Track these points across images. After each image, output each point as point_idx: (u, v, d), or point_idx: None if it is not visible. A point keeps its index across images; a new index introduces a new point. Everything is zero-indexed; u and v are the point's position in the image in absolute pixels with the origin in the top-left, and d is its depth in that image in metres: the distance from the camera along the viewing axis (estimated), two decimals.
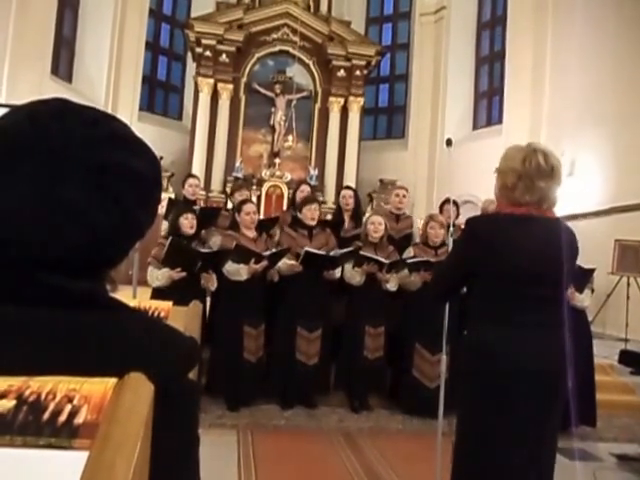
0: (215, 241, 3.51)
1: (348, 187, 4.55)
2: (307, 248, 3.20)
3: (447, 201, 3.89)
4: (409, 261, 3.31)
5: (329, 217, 4.47)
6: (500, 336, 1.35)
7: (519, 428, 1.32)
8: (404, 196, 3.91)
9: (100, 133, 0.45)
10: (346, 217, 3.97)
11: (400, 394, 3.38)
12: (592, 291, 3.36)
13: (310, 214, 3.41)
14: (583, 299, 3.23)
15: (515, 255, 1.36)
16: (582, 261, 3.36)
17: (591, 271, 3.33)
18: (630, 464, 2.76)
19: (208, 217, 3.76)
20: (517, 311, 1.36)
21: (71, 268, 0.43)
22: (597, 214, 6.51)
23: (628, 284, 5.70)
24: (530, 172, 1.36)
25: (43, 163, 0.42)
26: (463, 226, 1.56)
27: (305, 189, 4.01)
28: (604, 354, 4.26)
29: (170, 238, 3.11)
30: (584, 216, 6.57)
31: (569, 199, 6.86)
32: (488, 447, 1.34)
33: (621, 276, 5.78)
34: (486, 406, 1.35)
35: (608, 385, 3.77)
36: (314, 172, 9.15)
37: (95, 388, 0.36)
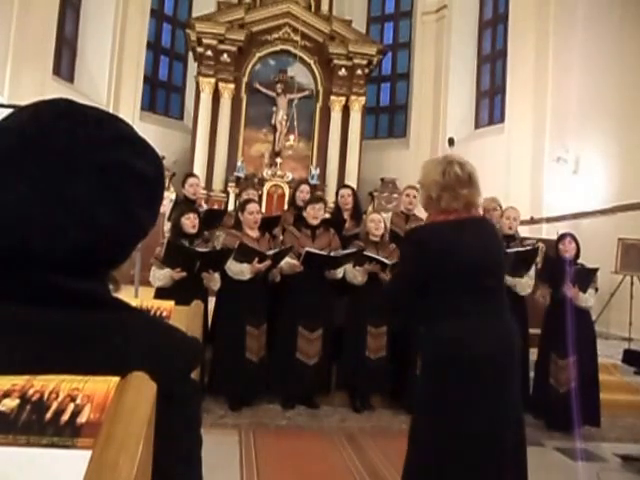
0: (221, 240, 3.52)
1: (346, 186, 4.50)
2: (307, 248, 3.20)
3: None
4: None
5: (327, 216, 4.45)
6: (456, 327, 1.46)
7: (478, 410, 1.42)
8: (414, 196, 3.88)
9: (104, 133, 0.45)
10: (346, 216, 3.96)
11: (405, 395, 3.37)
12: (596, 290, 3.35)
13: (313, 213, 3.40)
14: (587, 299, 3.22)
15: (464, 254, 1.49)
16: (585, 260, 3.38)
17: (594, 270, 3.32)
18: (634, 464, 2.75)
19: (214, 219, 3.75)
20: (471, 303, 1.48)
21: (74, 268, 0.43)
22: (600, 213, 6.49)
23: (632, 283, 5.68)
24: (451, 182, 1.49)
25: (47, 163, 0.42)
26: (406, 238, 1.66)
27: (305, 189, 4.00)
28: (608, 354, 4.24)
29: (166, 239, 3.12)
30: (587, 215, 6.55)
31: (573, 197, 6.86)
32: (448, 432, 1.42)
33: (624, 275, 5.76)
34: (448, 390, 1.44)
35: (612, 385, 3.75)
36: (315, 171, 9.15)
37: (98, 387, 0.36)
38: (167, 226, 3.58)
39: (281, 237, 3.62)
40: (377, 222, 3.43)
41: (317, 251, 3.23)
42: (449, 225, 1.52)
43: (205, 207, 4.31)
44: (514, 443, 1.48)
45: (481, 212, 1.62)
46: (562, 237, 3.34)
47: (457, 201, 1.50)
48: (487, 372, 1.43)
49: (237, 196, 4.63)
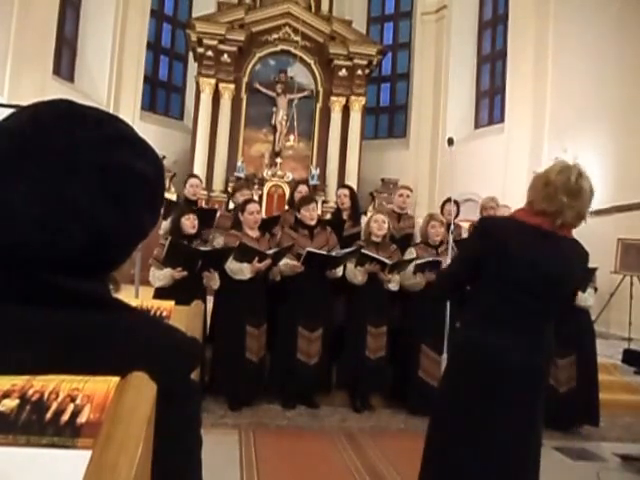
0: (219, 242, 3.52)
1: (344, 186, 4.49)
2: (309, 248, 3.20)
3: (448, 201, 3.90)
4: (417, 262, 3.31)
5: (329, 216, 4.46)
6: (491, 333, 1.44)
7: (503, 414, 1.42)
8: (408, 196, 3.92)
9: (104, 134, 0.45)
10: (345, 216, 3.97)
11: (406, 394, 3.38)
12: (595, 290, 3.35)
13: (309, 214, 3.41)
14: (586, 298, 3.22)
15: (525, 268, 1.42)
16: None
17: (593, 270, 3.32)
18: (634, 464, 2.75)
19: (205, 218, 3.74)
20: (514, 318, 1.45)
21: (74, 268, 0.43)
22: (600, 213, 6.47)
23: (631, 283, 5.68)
24: (557, 182, 1.44)
25: (47, 164, 0.42)
26: (475, 224, 1.62)
27: (303, 189, 4.00)
28: (607, 353, 4.25)
29: (169, 238, 3.12)
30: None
31: None
32: (472, 432, 1.41)
33: (624, 275, 5.76)
34: (471, 393, 1.43)
35: (611, 385, 3.76)
36: (316, 171, 9.15)
37: (98, 387, 0.36)
38: (162, 225, 3.57)
39: (278, 237, 3.62)
40: (380, 222, 3.42)
41: (318, 251, 3.23)
42: (525, 229, 1.44)
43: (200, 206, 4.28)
44: (530, 448, 1.47)
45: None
46: None
47: (549, 203, 1.41)
48: (502, 376, 1.41)
49: (231, 196, 4.58)
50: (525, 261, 1.42)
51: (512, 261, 1.43)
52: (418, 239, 3.75)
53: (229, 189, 8.86)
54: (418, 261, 3.30)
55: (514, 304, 1.44)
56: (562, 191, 1.42)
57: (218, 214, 3.94)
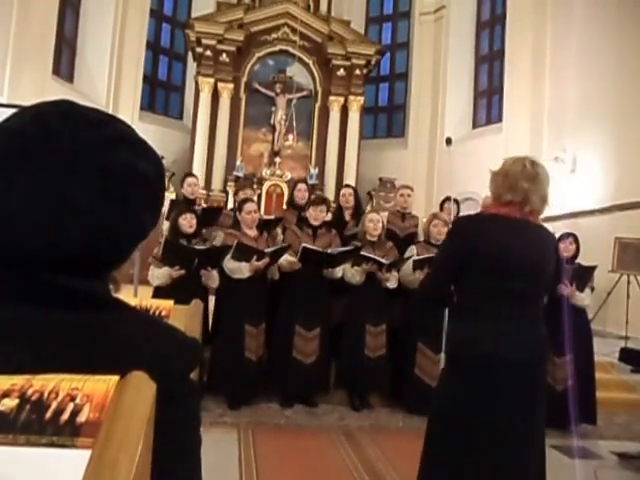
0: (219, 239, 3.53)
1: (348, 185, 4.56)
2: (304, 244, 3.21)
3: (448, 199, 3.92)
4: (414, 258, 3.32)
5: (328, 218, 4.50)
6: (484, 329, 1.45)
7: (502, 413, 1.41)
8: (409, 195, 3.96)
9: (104, 134, 0.46)
10: (347, 216, 3.98)
11: (403, 393, 3.38)
12: (592, 289, 3.35)
13: (314, 214, 3.41)
14: (583, 298, 3.23)
15: (501, 253, 1.47)
16: (582, 259, 3.39)
17: (591, 269, 3.32)
18: (631, 462, 2.76)
19: (210, 216, 3.77)
20: (500, 306, 1.47)
21: (74, 268, 0.43)
22: (598, 212, 6.50)
23: (628, 282, 5.69)
24: (515, 172, 1.50)
25: (48, 164, 0.43)
26: (450, 227, 1.63)
27: (302, 187, 4.02)
28: (604, 352, 4.26)
29: (164, 238, 3.13)
30: (585, 214, 6.56)
31: (570, 197, 6.87)
32: (472, 432, 1.41)
33: (621, 274, 5.77)
34: (469, 392, 1.43)
35: (609, 383, 3.77)
36: (314, 171, 9.15)
37: (97, 387, 0.36)
38: (165, 225, 3.59)
39: (281, 236, 3.63)
40: (376, 222, 3.44)
41: (313, 247, 3.24)
42: (496, 220, 1.50)
43: (203, 206, 4.32)
44: (531, 448, 1.46)
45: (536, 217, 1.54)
46: (564, 236, 3.32)
47: (514, 192, 1.47)
48: (500, 378, 1.41)
49: (234, 195, 4.62)
50: (506, 251, 1.46)
51: (494, 254, 1.46)
52: (422, 238, 3.76)
53: (228, 188, 8.88)
54: (416, 257, 3.31)
55: (505, 294, 1.46)
56: (521, 178, 1.49)
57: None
